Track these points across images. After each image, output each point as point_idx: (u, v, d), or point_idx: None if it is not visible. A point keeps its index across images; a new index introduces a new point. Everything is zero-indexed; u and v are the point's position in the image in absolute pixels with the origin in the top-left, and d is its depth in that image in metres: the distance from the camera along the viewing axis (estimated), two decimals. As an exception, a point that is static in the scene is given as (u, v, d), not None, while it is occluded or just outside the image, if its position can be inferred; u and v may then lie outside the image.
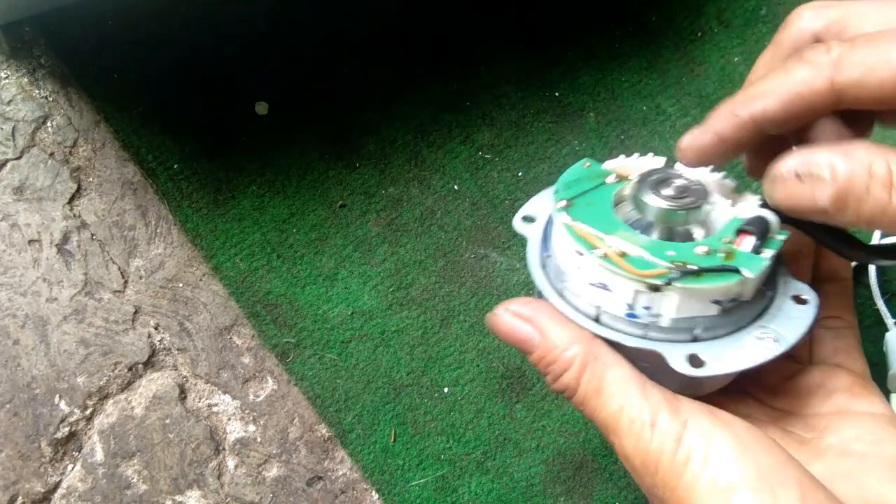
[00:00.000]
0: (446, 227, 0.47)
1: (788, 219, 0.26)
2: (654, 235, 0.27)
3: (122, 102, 0.46)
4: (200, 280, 0.45)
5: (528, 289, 0.46)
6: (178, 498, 0.42)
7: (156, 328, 0.44)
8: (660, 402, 0.23)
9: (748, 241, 0.25)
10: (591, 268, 0.25)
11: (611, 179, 0.29)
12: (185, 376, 0.44)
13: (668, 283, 0.24)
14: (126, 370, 0.44)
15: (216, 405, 0.44)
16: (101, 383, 0.43)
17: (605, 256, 0.25)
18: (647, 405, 0.23)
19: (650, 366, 0.25)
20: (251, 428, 0.44)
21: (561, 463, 0.43)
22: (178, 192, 0.46)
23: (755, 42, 0.51)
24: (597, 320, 0.26)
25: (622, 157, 0.30)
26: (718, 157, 0.26)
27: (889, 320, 0.44)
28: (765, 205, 0.27)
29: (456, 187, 0.48)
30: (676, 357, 0.24)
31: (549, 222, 0.29)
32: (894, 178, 0.21)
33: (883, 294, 0.45)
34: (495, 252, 0.46)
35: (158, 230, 0.45)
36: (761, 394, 0.29)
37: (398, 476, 0.43)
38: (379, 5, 0.49)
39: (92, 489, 0.42)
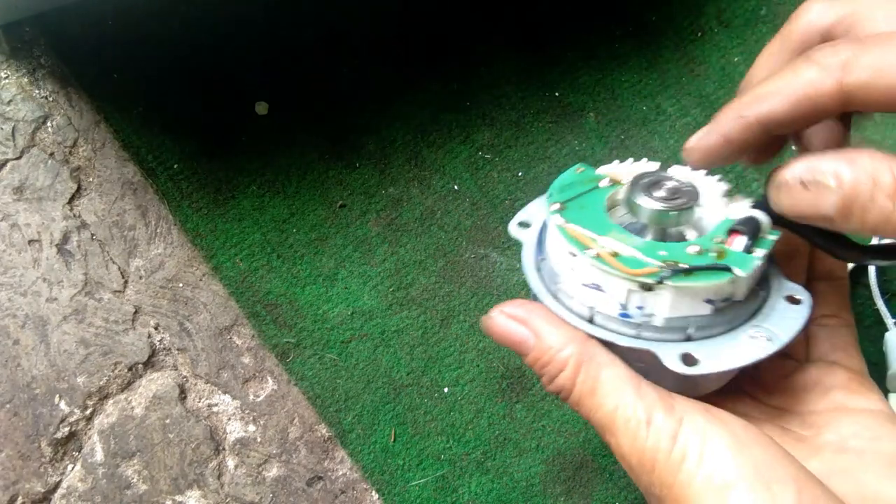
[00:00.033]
0: (446, 227, 0.47)
1: (780, 220, 0.26)
2: (648, 238, 0.27)
3: (122, 102, 0.46)
4: (200, 280, 0.45)
5: (528, 289, 0.46)
6: (178, 498, 0.42)
7: (156, 328, 0.44)
8: (655, 400, 0.24)
9: (739, 241, 0.25)
10: (584, 268, 0.26)
11: (604, 184, 0.29)
12: (185, 376, 0.44)
13: (660, 282, 0.24)
14: (126, 370, 0.44)
15: (216, 405, 0.44)
16: (101, 383, 0.43)
17: (598, 256, 0.25)
18: (643, 404, 0.23)
19: (645, 366, 0.25)
20: (251, 428, 0.44)
21: (561, 463, 0.43)
22: (178, 192, 0.46)
23: (755, 42, 0.51)
24: (591, 321, 0.26)
25: (616, 162, 0.30)
26: (725, 158, 0.26)
27: (889, 320, 0.44)
28: (756, 205, 0.27)
29: (456, 187, 0.48)
30: (670, 356, 0.24)
31: (544, 227, 0.29)
32: None
33: (883, 294, 0.45)
34: (495, 252, 0.46)
35: (158, 230, 0.46)
36: (758, 392, 0.29)
37: (398, 476, 0.43)
38: (379, 5, 0.49)
39: (92, 489, 0.42)
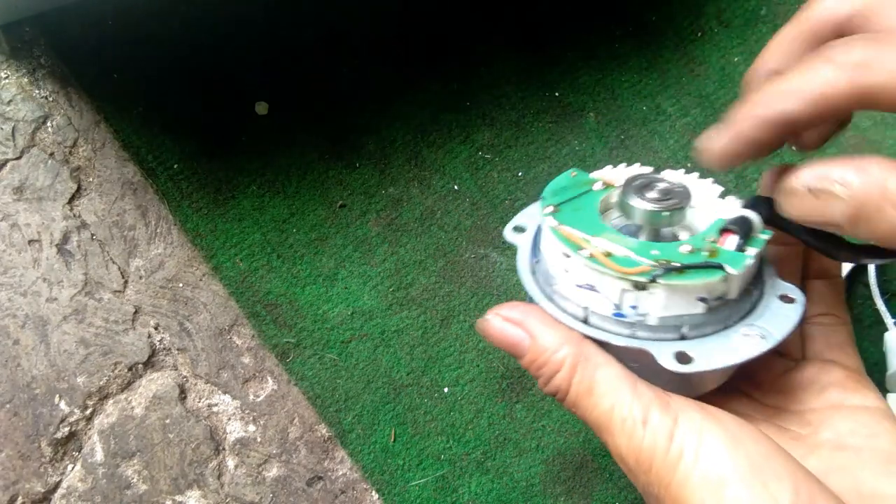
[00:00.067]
0: (446, 227, 0.47)
1: (772, 220, 0.26)
2: (641, 239, 0.27)
3: (122, 102, 0.46)
4: (200, 280, 0.45)
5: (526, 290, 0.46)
6: (178, 498, 0.42)
7: (156, 328, 0.44)
8: (651, 399, 0.24)
9: (731, 240, 0.25)
10: (577, 269, 0.26)
11: (597, 187, 0.29)
12: (185, 376, 0.44)
13: (653, 281, 0.24)
14: (126, 370, 0.44)
15: (216, 405, 0.44)
16: (101, 383, 0.43)
17: (591, 256, 0.25)
18: (639, 403, 0.23)
19: (640, 367, 0.25)
20: (251, 428, 0.44)
21: (561, 463, 0.44)
22: (178, 192, 0.46)
23: (755, 42, 0.51)
24: (585, 322, 0.26)
25: (609, 166, 0.31)
26: (738, 158, 0.26)
27: (888, 320, 0.44)
28: (748, 205, 0.27)
29: (456, 187, 0.48)
30: (664, 354, 0.24)
31: (539, 231, 0.30)
32: None
33: (883, 294, 0.45)
34: (495, 252, 0.46)
35: (158, 230, 0.46)
36: (755, 392, 0.29)
37: (398, 476, 0.43)
38: (379, 5, 0.49)
39: (92, 489, 0.42)
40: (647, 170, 0.30)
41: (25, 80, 0.46)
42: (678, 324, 0.25)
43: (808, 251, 0.30)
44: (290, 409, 0.44)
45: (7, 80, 0.46)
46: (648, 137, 0.49)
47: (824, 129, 0.28)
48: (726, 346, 0.25)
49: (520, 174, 0.48)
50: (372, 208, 0.47)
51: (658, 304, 0.25)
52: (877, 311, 0.45)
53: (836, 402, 0.27)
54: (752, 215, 0.26)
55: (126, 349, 0.44)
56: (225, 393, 0.44)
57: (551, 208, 0.28)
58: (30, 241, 0.44)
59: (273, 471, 0.43)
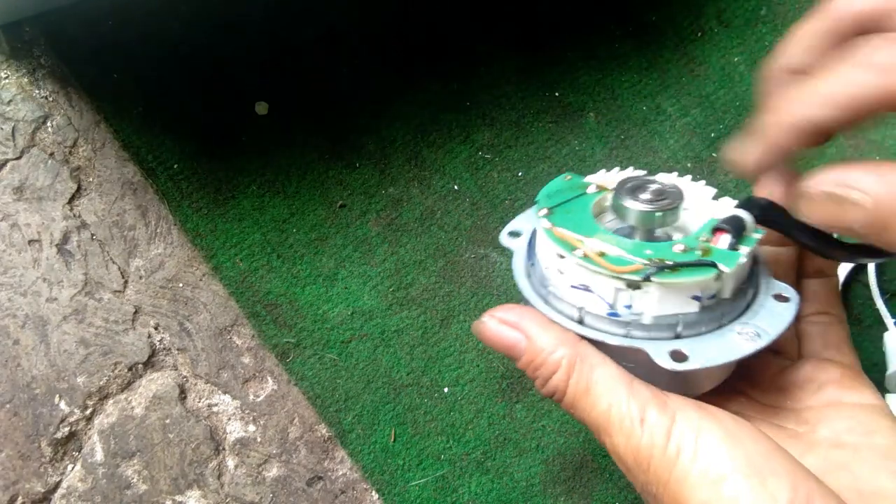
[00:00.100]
0: (446, 227, 0.47)
1: (765, 219, 0.27)
2: (635, 240, 0.27)
3: (122, 102, 0.46)
4: (200, 280, 0.45)
5: (528, 289, 0.46)
6: (178, 498, 0.42)
7: (156, 328, 0.44)
8: (648, 398, 0.24)
9: (724, 239, 0.26)
10: (572, 270, 0.26)
11: (591, 190, 0.30)
12: (185, 376, 0.44)
13: (647, 279, 0.24)
14: (126, 370, 0.44)
15: (216, 405, 0.44)
16: (101, 383, 0.43)
17: (585, 256, 0.25)
18: (636, 402, 0.24)
19: (637, 367, 0.25)
20: (251, 428, 0.44)
21: (561, 463, 0.44)
22: (178, 192, 0.46)
23: (755, 42, 0.51)
24: (581, 322, 0.26)
25: (602, 171, 0.31)
26: (768, 166, 0.26)
27: (888, 320, 0.44)
28: (740, 205, 0.27)
29: (456, 187, 0.48)
30: (660, 353, 0.24)
31: (534, 235, 0.30)
32: None
33: (883, 294, 0.45)
34: (495, 252, 0.46)
35: (158, 230, 0.46)
36: (752, 391, 0.29)
37: (398, 476, 0.43)
38: (379, 5, 0.49)
39: (92, 489, 0.42)
40: (641, 173, 0.30)
41: (25, 80, 0.46)
42: (673, 322, 0.25)
43: (802, 251, 0.30)
44: (290, 409, 0.44)
45: (7, 80, 0.46)
46: (648, 137, 0.49)
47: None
48: (721, 344, 0.25)
49: (520, 174, 0.48)
50: (372, 208, 0.47)
51: (652, 302, 0.25)
52: (877, 311, 0.45)
53: (834, 399, 0.27)
54: (745, 215, 0.27)
55: (126, 349, 0.44)
56: (225, 393, 0.44)
57: (545, 211, 0.28)
58: (30, 241, 0.44)
59: (273, 471, 0.43)
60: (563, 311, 0.27)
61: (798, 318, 0.30)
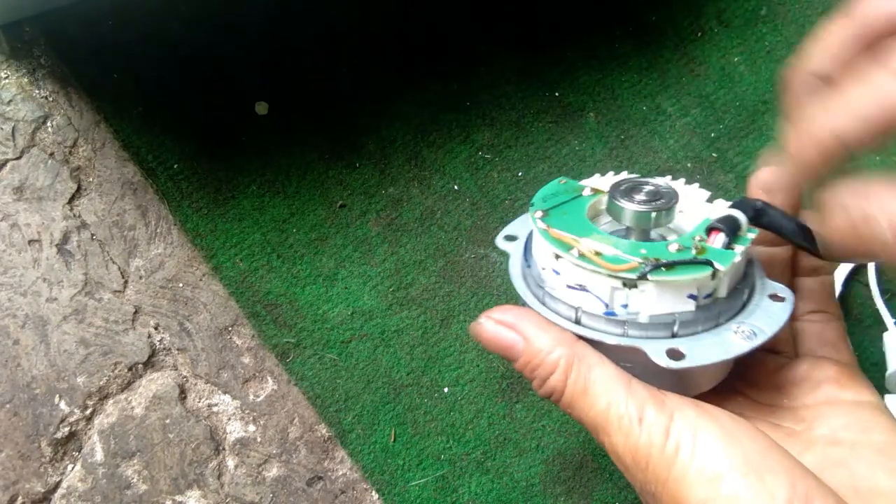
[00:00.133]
0: (446, 227, 0.47)
1: (758, 220, 0.27)
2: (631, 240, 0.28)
3: (122, 102, 0.46)
4: (200, 280, 0.45)
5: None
6: (178, 498, 0.42)
7: (156, 328, 0.44)
8: (646, 397, 0.24)
9: (719, 238, 0.26)
10: (568, 270, 0.26)
11: (586, 193, 0.30)
12: (185, 376, 0.44)
13: (643, 277, 0.24)
14: (126, 370, 0.44)
15: (216, 405, 0.44)
16: (101, 383, 0.43)
17: (581, 255, 0.25)
18: (634, 401, 0.24)
19: (634, 366, 0.25)
20: (251, 428, 0.44)
21: (561, 463, 0.44)
22: (178, 192, 0.46)
23: (755, 42, 0.51)
24: (577, 322, 0.26)
25: (597, 175, 0.31)
26: (799, 185, 0.26)
27: (888, 320, 0.44)
28: (734, 205, 0.28)
29: (456, 187, 0.48)
30: (656, 351, 0.24)
31: (530, 237, 0.30)
32: None
33: (883, 294, 0.45)
34: (495, 252, 0.46)
35: (158, 230, 0.46)
36: (750, 391, 0.29)
37: (398, 476, 0.43)
38: (379, 5, 0.49)
39: (92, 489, 0.42)
40: (635, 177, 0.30)
41: (25, 80, 0.46)
42: (669, 321, 0.25)
43: (796, 250, 0.30)
44: (290, 409, 0.44)
45: (7, 80, 0.46)
46: (648, 137, 0.49)
47: None
48: (718, 342, 0.25)
49: (520, 174, 0.48)
50: (372, 208, 0.47)
51: (649, 301, 0.25)
52: (877, 311, 0.45)
53: (830, 397, 0.27)
54: (739, 215, 0.27)
55: (126, 349, 0.44)
56: (225, 393, 0.44)
57: (541, 213, 0.28)
58: (30, 241, 0.44)
59: (273, 471, 0.43)
60: (560, 312, 0.27)
61: (794, 317, 0.30)
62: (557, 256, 0.26)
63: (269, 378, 0.44)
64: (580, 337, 0.26)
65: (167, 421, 0.43)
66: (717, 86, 0.50)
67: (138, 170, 0.46)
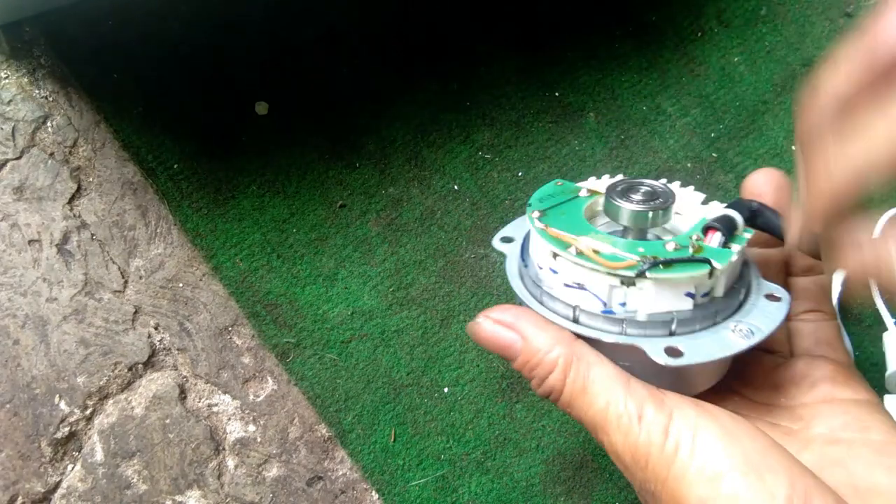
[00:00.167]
0: (446, 227, 0.47)
1: (754, 221, 0.27)
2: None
3: (122, 102, 0.46)
4: (200, 280, 0.45)
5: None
6: (178, 498, 0.42)
7: (156, 328, 0.44)
8: (645, 396, 0.24)
9: (716, 238, 0.26)
10: (566, 268, 0.26)
11: (583, 194, 0.30)
12: (185, 376, 0.44)
13: (641, 275, 0.24)
14: (126, 370, 0.44)
15: (216, 405, 0.44)
16: (101, 383, 0.43)
17: (579, 253, 0.25)
18: (633, 400, 0.24)
19: (632, 365, 0.25)
20: (251, 428, 0.44)
21: (561, 463, 0.44)
22: (178, 192, 0.46)
23: (755, 42, 0.51)
24: (576, 321, 0.26)
25: (593, 178, 0.31)
26: (812, 234, 0.25)
27: (888, 320, 0.44)
28: (730, 205, 0.28)
29: (456, 187, 0.48)
30: (655, 349, 0.24)
31: (527, 238, 0.30)
32: None
33: (882, 294, 0.45)
34: (495, 252, 0.46)
35: (158, 230, 0.46)
36: (747, 390, 0.29)
37: (398, 476, 0.43)
38: (379, 5, 0.49)
39: (92, 489, 0.42)
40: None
41: (25, 80, 0.46)
42: (667, 320, 0.25)
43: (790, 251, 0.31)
44: (290, 409, 0.44)
45: (7, 80, 0.46)
46: (648, 137, 0.49)
47: None
48: (715, 341, 0.25)
49: (520, 174, 0.48)
50: (372, 208, 0.47)
51: (647, 299, 0.25)
52: (877, 311, 0.45)
53: (827, 396, 0.27)
54: (735, 214, 0.27)
55: (126, 349, 0.44)
56: (225, 393, 0.44)
57: (538, 213, 0.28)
58: (30, 241, 0.44)
59: (273, 471, 0.43)
60: (558, 311, 0.27)
61: (789, 317, 0.30)
62: (555, 255, 0.26)
63: (269, 378, 0.44)
64: (578, 336, 0.26)
65: (167, 421, 0.43)
66: (717, 86, 0.50)
67: (138, 170, 0.46)
